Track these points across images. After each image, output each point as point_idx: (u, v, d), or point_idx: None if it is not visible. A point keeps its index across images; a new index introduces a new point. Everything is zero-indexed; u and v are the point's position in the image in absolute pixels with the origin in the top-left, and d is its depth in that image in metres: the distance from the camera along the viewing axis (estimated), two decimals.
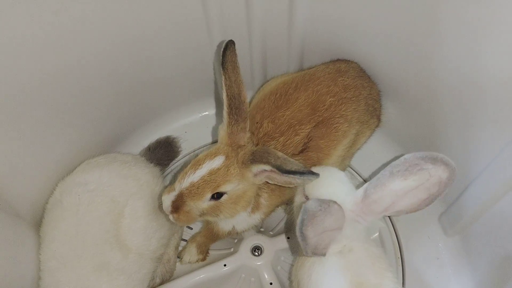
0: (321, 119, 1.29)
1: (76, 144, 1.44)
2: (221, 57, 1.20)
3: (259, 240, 1.49)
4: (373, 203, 1.08)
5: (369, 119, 1.43)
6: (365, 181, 1.66)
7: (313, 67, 1.50)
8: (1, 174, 1.22)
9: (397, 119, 1.57)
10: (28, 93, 1.23)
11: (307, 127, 1.27)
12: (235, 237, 1.55)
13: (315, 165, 1.27)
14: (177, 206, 1.17)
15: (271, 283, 1.44)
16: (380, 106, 1.51)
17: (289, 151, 1.26)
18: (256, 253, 1.47)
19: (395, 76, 1.44)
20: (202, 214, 1.19)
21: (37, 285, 1.23)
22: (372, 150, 1.67)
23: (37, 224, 1.31)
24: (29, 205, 1.32)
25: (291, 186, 1.15)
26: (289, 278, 1.30)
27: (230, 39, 1.23)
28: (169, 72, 1.59)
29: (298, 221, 0.99)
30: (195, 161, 1.18)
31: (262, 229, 1.57)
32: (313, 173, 1.08)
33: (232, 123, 1.19)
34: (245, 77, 1.27)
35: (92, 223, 1.23)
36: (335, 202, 1.02)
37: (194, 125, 1.84)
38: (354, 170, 1.69)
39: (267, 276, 1.45)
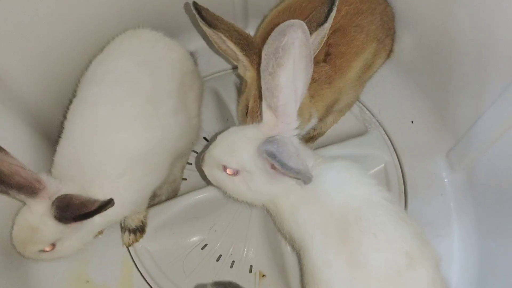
0: (338, 26, 1.29)
1: None
2: (202, 21, 1.21)
3: None
4: (284, 108, 1.04)
5: (384, 37, 1.42)
6: (373, 116, 1.65)
7: None
8: None
9: (410, 50, 1.54)
10: None
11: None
12: None
13: (340, 75, 1.30)
14: None
15: None
16: (394, 29, 1.49)
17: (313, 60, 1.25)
18: None
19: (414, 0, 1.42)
20: None
21: None
22: (383, 85, 1.66)
23: None
24: None
25: None
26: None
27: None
28: None
29: (278, 166, 0.99)
30: (252, 111, 1.21)
31: None
32: None
33: (253, 58, 1.22)
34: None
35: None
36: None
37: None
38: (364, 106, 1.67)
39: None
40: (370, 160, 1.56)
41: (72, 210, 1.07)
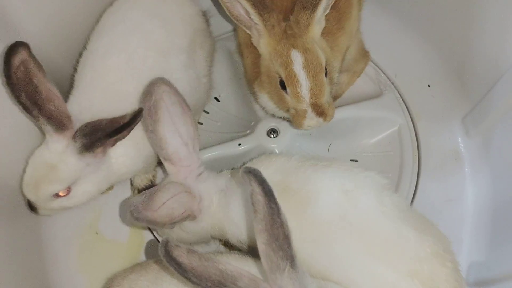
0: None
1: None
2: None
3: (276, 123, 1.47)
4: (176, 155, 1.13)
5: None
6: (389, 79, 1.61)
7: None
8: None
9: (428, 12, 1.50)
10: None
11: None
12: (252, 121, 1.55)
13: (346, 16, 1.28)
14: (321, 111, 1.20)
15: None
16: None
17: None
18: (272, 136, 1.46)
19: None
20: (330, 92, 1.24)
21: None
22: (400, 48, 1.63)
23: None
24: None
25: None
26: None
27: None
28: None
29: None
30: (289, 77, 1.18)
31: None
32: None
33: (269, 21, 1.18)
34: None
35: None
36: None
37: None
38: (380, 69, 1.63)
39: None
40: (384, 122, 1.53)
41: (102, 130, 1.07)
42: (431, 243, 0.97)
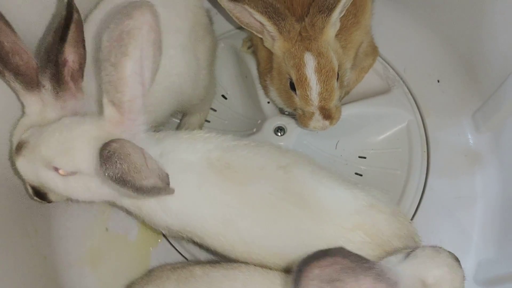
0: None
1: None
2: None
3: (282, 121, 1.46)
4: (130, 104, 0.92)
5: None
6: (398, 74, 1.59)
7: None
8: None
9: (438, 5, 1.47)
10: None
11: None
12: (259, 119, 1.54)
13: (362, 10, 1.27)
14: (328, 115, 1.21)
15: None
16: None
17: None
18: (279, 134, 1.45)
19: None
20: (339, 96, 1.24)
21: None
22: (409, 42, 1.61)
23: None
24: None
25: None
26: None
27: None
28: None
29: (130, 192, 0.85)
30: (299, 79, 1.17)
31: (286, 112, 1.54)
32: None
33: (282, 26, 1.16)
34: None
35: None
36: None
37: None
38: (388, 64, 1.60)
39: None
40: (393, 118, 1.51)
41: (53, 45, 0.98)
42: (364, 196, 1.04)
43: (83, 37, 1.04)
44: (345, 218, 1.01)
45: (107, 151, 0.84)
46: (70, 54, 1.03)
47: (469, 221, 1.38)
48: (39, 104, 1.05)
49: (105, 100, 0.93)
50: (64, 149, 0.94)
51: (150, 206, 1.03)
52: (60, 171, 0.97)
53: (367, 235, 1.00)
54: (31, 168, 1.00)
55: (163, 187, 0.88)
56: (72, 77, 1.05)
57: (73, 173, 0.97)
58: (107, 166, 0.83)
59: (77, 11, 1.02)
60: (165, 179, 0.90)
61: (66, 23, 0.99)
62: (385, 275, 0.77)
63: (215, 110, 1.61)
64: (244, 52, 1.58)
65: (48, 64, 1.01)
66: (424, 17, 1.54)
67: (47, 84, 1.02)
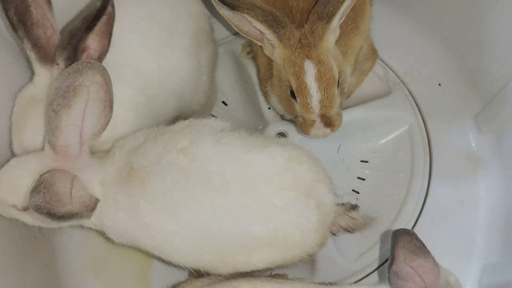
0: None
1: None
2: (222, 5, 1.13)
3: (284, 126, 1.45)
4: (65, 148, 0.96)
5: None
6: (398, 77, 1.59)
7: None
8: None
9: (438, 7, 1.46)
10: None
11: None
12: (260, 125, 1.54)
13: (361, 15, 1.26)
14: (329, 122, 1.20)
15: None
16: None
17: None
18: None
19: None
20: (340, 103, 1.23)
21: None
22: (409, 46, 1.60)
23: None
24: None
25: None
26: None
27: None
28: None
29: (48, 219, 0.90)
30: (300, 87, 1.16)
31: (287, 118, 1.53)
32: None
33: (282, 33, 1.15)
34: None
35: None
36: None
37: None
38: (388, 67, 1.60)
39: None
40: (394, 121, 1.51)
41: (79, 29, 1.01)
42: (280, 151, 1.02)
43: (111, 31, 1.07)
44: (267, 182, 0.99)
45: (37, 182, 0.90)
46: (93, 43, 1.05)
47: (472, 225, 1.38)
48: (48, 78, 1.07)
49: (45, 137, 0.98)
50: (12, 187, 1.00)
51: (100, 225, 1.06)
52: (18, 207, 1.02)
53: (293, 190, 0.99)
54: (1, 209, 1.05)
55: (77, 213, 0.95)
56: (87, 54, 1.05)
57: (27, 207, 1.01)
58: (32, 196, 0.88)
59: (113, 5, 1.04)
60: (91, 205, 0.98)
61: (98, 14, 1.02)
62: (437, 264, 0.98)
63: (215, 117, 1.61)
64: (243, 58, 1.58)
65: (67, 46, 1.02)
66: (424, 19, 1.53)
67: (61, 63, 1.04)
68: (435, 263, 0.98)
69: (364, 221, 1.24)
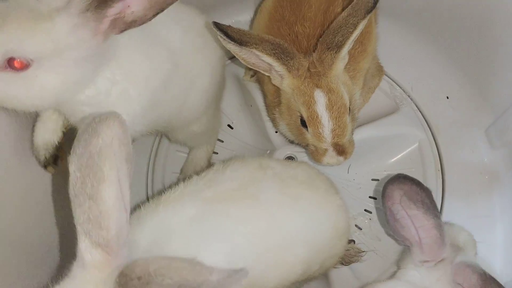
0: None
1: None
2: (230, 41, 1.09)
3: (292, 150, 1.44)
4: (117, 237, 0.75)
5: None
6: (405, 92, 1.56)
7: None
8: None
9: (444, 20, 1.44)
10: None
11: (339, 1, 1.21)
12: (268, 149, 1.52)
13: (368, 37, 1.26)
14: (342, 150, 1.19)
15: None
16: None
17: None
18: None
19: None
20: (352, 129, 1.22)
21: None
22: (415, 59, 1.58)
23: None
24: None
25: None
26: None
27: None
28: None
29: None
30: (311, 117, 1.14)
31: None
32: None
33: (291, 64, 1.13)
34: None
35: None
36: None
37: None
38: (395, 82, 1.57)
39: None
40: (403, 138, 1.49)
41: None
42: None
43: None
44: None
45: None
46: (135, 5, 0.89)
47: (489, 241, 1.35)
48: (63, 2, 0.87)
49: (84, 245, 0.74)
50: None
51: None
52: (16, 61, 0.82)
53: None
54: None
55: None
56: (113, 21, 0.90)
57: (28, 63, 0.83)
58: None
59: None
60: None
61: None
62: (442, 229, 0.93)
63: (222, 141, 1.59)
64: (247, 81, 1.56)
65: None
66: (429, 35, 1.50)
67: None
68: (438, 226, 0.92)
69: (355, 253, 1.32)
